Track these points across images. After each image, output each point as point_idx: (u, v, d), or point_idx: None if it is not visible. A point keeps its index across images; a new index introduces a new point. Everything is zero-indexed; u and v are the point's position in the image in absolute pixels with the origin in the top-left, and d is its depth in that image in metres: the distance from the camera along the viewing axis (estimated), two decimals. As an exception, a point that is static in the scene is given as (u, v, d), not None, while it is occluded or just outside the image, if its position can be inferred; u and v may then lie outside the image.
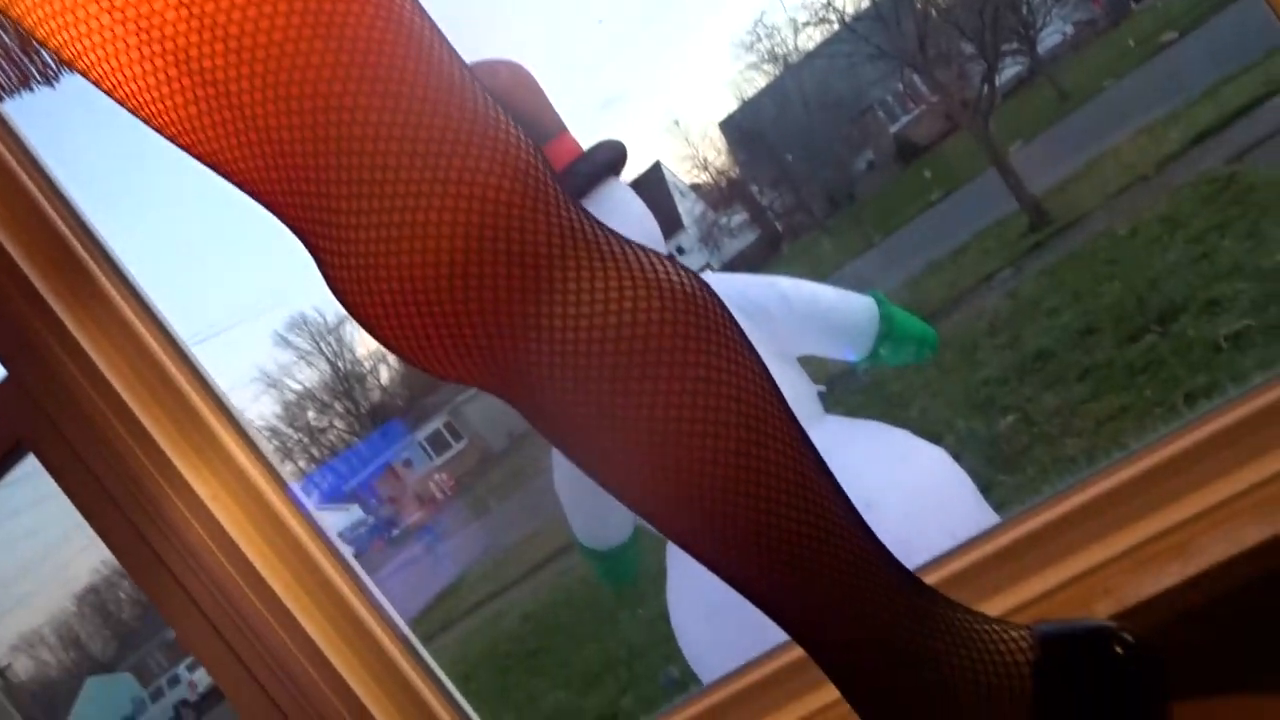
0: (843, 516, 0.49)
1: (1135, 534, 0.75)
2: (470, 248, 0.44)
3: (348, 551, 1.03)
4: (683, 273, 0.48)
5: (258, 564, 0.98)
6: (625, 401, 0.45)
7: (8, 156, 0.97)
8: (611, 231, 0.48)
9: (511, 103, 1.35)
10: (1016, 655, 0.49)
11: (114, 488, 0.98)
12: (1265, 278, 2.35)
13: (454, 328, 0.46)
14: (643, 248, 0.48)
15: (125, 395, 0.97)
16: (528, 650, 3.92)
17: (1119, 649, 0.51)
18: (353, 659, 1.01)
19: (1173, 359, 2.37)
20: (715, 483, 0.46)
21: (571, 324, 0.45)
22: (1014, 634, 0.50)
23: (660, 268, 0.47)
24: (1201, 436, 0.74)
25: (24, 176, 0.98)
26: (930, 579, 0.82)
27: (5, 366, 1.01)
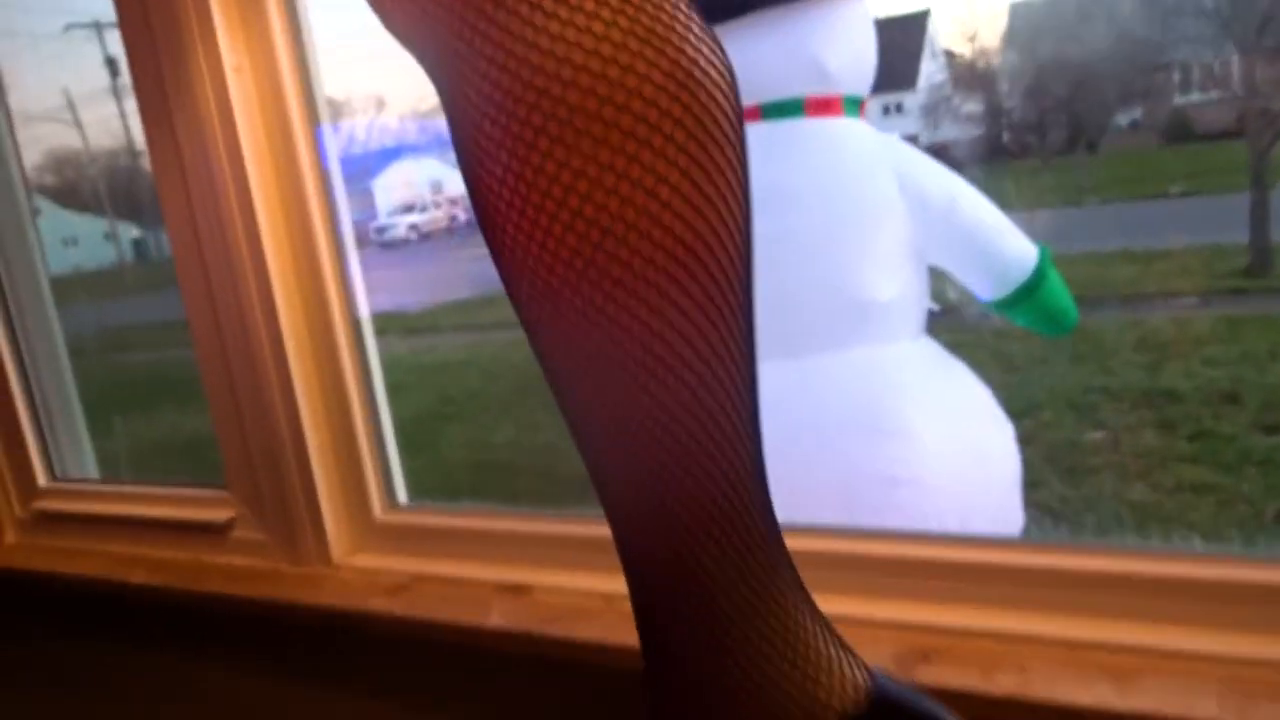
0: (753, 443, 0.40)
1: (1092, 629, 0.66)
2: None
3: (344, 208, 1.02)
4: (722, 60, 0.36)
5: (249, 159, 0.96)
6: (541, 166, 0.34)
7: None
8: None
9: None
10: (835, 700, 0.42)
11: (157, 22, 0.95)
12: None
13: None
14: (692, 8, 0.36)
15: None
16: (480, 399, 3.89)
17: None
18: (297, 303, 1.01)
19: (1289, 469, 2.20)
20: (616, 304, 0.35)
21: (520, 35, 0.34)
22: (852, 673, 0.43)
23: (700, 33, 0.35)
24: (1234, 576, 0.64)
25: None
26: (900, 550, 0.77)
27: None
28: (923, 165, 1.28)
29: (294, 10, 0.97)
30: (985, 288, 1.36)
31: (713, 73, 0.36)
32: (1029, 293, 1.33)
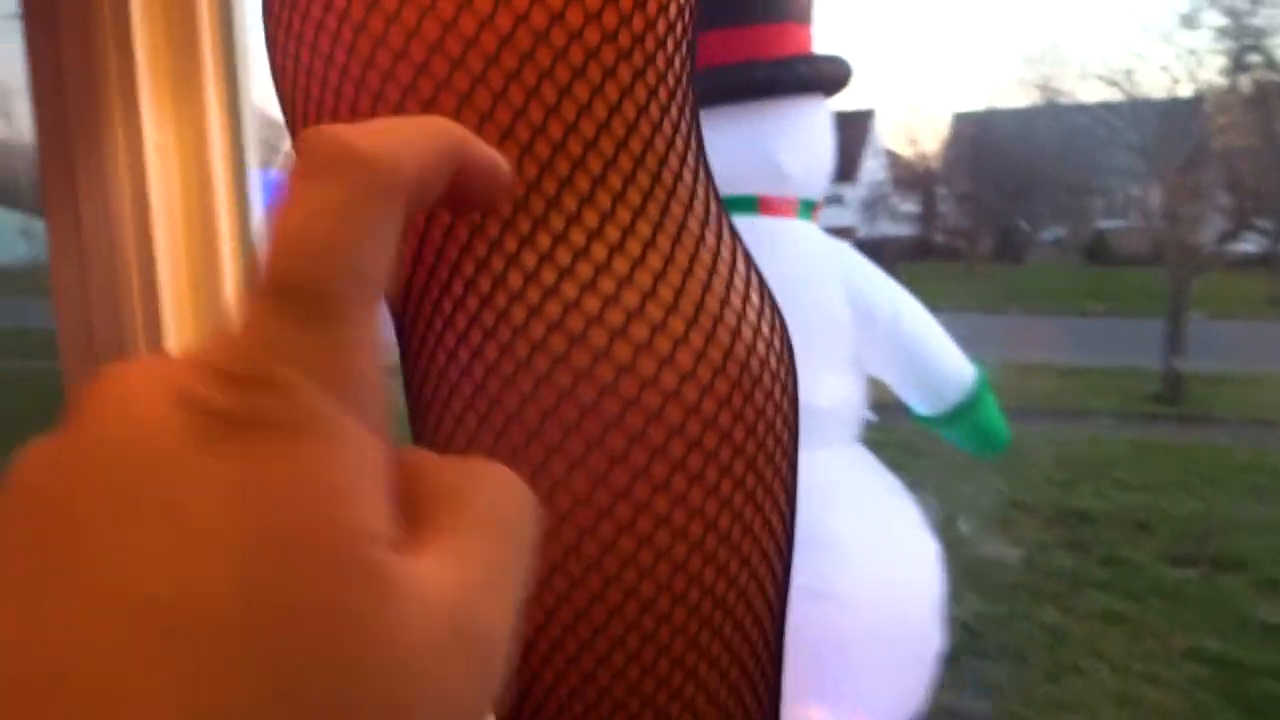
0: None
1: None
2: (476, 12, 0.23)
3: None
4: (783, 338, 0.28)
5: (160, 239, 0.86)
6: (549, 497, 0.24)
7: None
8: (723, 215, 0.28)
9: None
10: None
11: (72, 79, 0.86)
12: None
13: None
14: (749, 261, 0.28)
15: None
16: None
17: None
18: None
19: (1195, 604, 2.24)
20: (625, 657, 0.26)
21: (523, 322, 0.24)
22: None
23: (759, 300, 0.27)
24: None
25: None
26: None
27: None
28: (871, 275, 1.27)
29: (234, 86, 0.89)
30: (921, 402, 1.35)
31: (773, 362, 0.27)
32: (964, 413, 1.32)
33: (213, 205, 0.86)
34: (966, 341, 1.35)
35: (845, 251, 1.31)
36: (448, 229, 0.25)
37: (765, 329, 0.27)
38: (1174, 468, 3.01)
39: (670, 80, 0.26)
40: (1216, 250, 4.05)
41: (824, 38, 1.30)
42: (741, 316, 0.26)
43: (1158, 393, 3.74)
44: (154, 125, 0.85)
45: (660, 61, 0.25)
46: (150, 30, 0.84)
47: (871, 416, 1.36)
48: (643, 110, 0.25)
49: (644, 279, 0.25)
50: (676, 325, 0.25)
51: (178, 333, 0.87)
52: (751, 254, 0.28)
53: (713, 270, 0.26)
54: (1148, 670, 1.98)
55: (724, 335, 0.26)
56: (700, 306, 0.25)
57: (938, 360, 1.29)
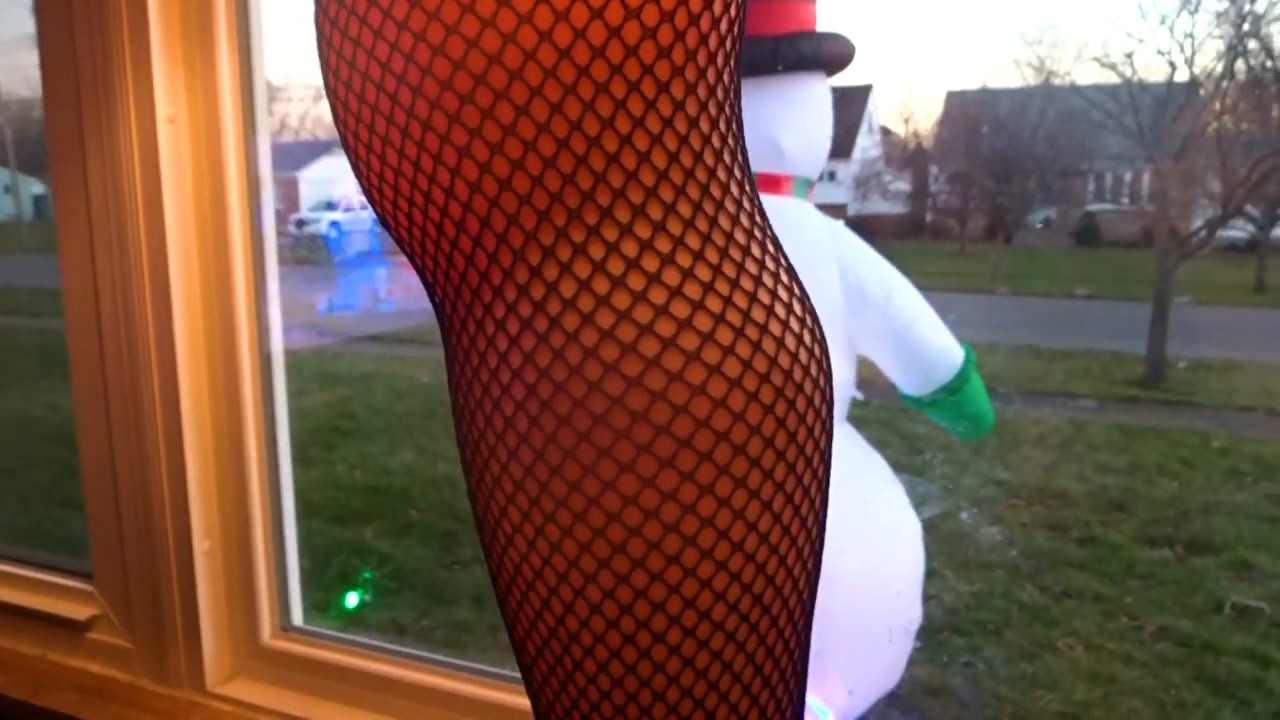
0: None
1: None
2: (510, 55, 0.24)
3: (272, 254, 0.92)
4: (821, 347, 0.29)
5: (170, 215, 0.85)
6: (584, 516, 0.25)
7: None
8: (766, 227, 0.29)
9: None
10: None
11: (84, 47, 0.84)
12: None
13: (401, 159, 0.27)
14: (791, 271, 0.29)
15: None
16: (383, 417, 3.77)
17: None
18: (201, 359, 0.90)
19: (1166, 585, 2.29)
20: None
21: (576, 329, 0.25)
22: None
23: (800, 311, 0.28)
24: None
25: None
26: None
27: None
28: (865, 255, 1.28)
29: (249, 57, 0.86)
30: (908, 383, 1.36)
31: (814, 369, 0.29)
32: (950, 394, 1.33)
33: (223, 175, 0.85)
34: (953, 323, 1.36)
35: (840, 230, 1.32)
36: (502, 234, 0.26)
37: (806, 337, 0.28)
38: (1153, 452, 3.06)
39: (720, 94, 0.27)
40: (1205, 236, 4.07)
41: (826, 13, 1.29)
42: (785, 325, 0.28)
43: (1141, 377, 3.78)
44: (166, 97, 0.84)
45: (711, 76, 0.26)
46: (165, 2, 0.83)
47: (859, 395, 1.37)
48: (693, 124, 0.26)
49: (693, 290, 0.26)
50: (724, 335, 0.26)
51: (185, 298, 0.87)
52: (793, 265, 0.29)
53: (758, 281, 0.27)
54: (1120, 649, 2.02)
55: (769, 345, 0.27)
56: (746, 317, 0.27)
57: (927, 342, 1.30)
